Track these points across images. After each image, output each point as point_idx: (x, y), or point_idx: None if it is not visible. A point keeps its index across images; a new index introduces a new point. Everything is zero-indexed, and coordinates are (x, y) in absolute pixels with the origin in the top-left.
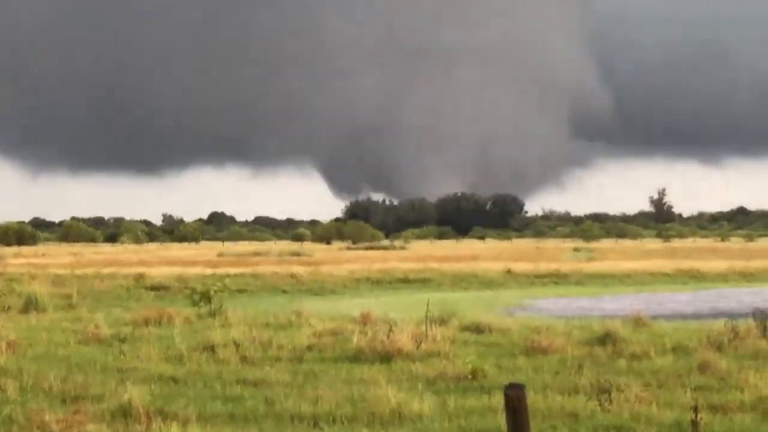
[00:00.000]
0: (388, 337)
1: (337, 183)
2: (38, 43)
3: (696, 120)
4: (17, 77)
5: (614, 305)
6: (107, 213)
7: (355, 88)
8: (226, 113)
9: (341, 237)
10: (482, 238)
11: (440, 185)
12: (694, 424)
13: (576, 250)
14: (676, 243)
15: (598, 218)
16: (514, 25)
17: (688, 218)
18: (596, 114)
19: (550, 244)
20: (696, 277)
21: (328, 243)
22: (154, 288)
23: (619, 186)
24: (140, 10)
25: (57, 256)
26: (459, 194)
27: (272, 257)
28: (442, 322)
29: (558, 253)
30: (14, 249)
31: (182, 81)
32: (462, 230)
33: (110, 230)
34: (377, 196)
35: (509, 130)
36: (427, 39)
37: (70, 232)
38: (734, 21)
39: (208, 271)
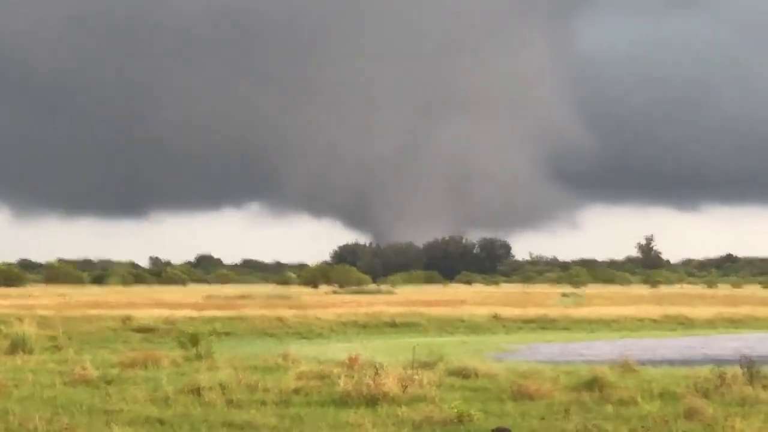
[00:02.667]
0: (375, 380)
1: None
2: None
3: (676, 166)
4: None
5: (602, 351)
6: (94, 255)
7: (336, 129)
8: (211, 157)
9: (328, 280)
10: (469, 282)
11: (423, 229)
12: None
13: (564, 295)
14: (664, 289)
15: (585, 263)
16: (495, 71)
17: (676, 264)
18: (579, 161)
19: (537, 289)
20: (684, 324)
21: (315, 286)
22: (141, 330)
23: (606, 232)
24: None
25: (44, 297)
26: (446, 238)
27: (259, 300)
28: (429, 366)
29: (545, 298)
30: (1, 290)
31: (172, 123)
32: (449, 274)
33: (97, 272)
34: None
35: (493, 174)
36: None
37: (57, 273)
38: (711, 62)
39: (195, 313)
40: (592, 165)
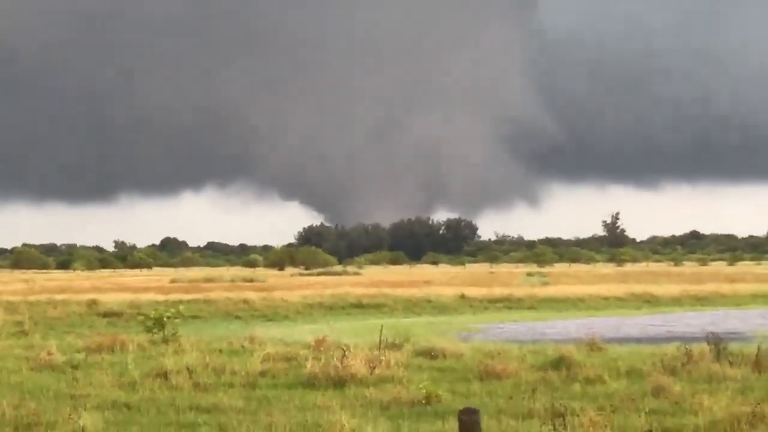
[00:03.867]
0: (342, 362)
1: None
2: None
3: (635, 145)
4: None
5: (568, 330)
6: (59, 239)
7: (306, 115)
8: (181, 138)
9: (294, 263)
10: (435, 263)
11: (388, 211)
12: None
13: (529, 274)
14: (630, 267)
15: (551, 242)
16: (457, 56)
17: (641, 242)
18: (540, 141)
19: (503, 268)
20: (649, 301)
21: (281, 269)
22: (107, 314)
23: (571, 211)
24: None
25: (9, 282)
26: (412, 219)
27: (225, 283)
28: (396, 347)
29: (511, 278)
30: None
31: (139, 105)
32: (415, 255)
33: (62, 257)
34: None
35: (457, 155)
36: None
37: (22, 258)
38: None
39: (161, 297)
40: (553, 145)
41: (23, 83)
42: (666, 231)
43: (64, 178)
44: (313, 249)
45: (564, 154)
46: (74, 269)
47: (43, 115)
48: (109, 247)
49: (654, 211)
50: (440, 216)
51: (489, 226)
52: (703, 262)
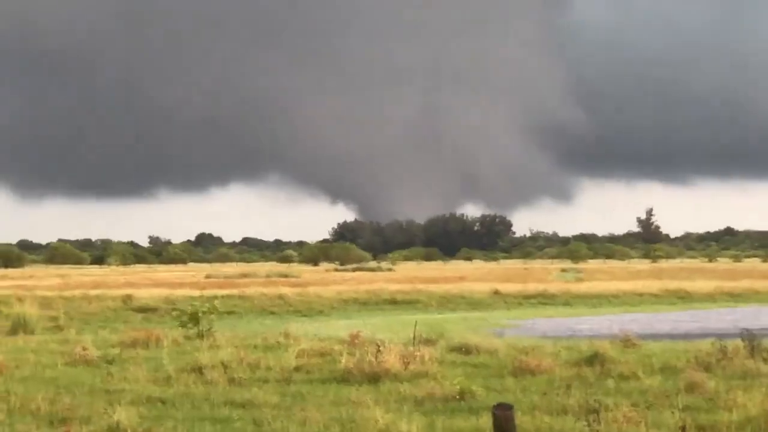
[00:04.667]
0: (376, 357)
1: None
2: (28, 65)
3: (668, 143)
4: (7, 100)
5: (602, 325)
6: (94, 235)
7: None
8: (216, 134)
9: (328, 258)
10: (469, 259)
11: (423, 206)
12: None
13: (564, 270)
14: (664, 263)
15: (585, 239)
16: (493, 51)
17: (676, 239)
18: (572, 136)
19: (537, 264)
20: (683, 298)
21: (316, 264)
22: (142, 310)
23: (605, 207)
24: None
25: (44, 278)
26: (447, 215)
27: (260, 279)
28: (430, 342)
29: (545, 274)
30: (1, 271)
31: (173, 104)
32: (449, 251)
33: (97, 252)
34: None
35: (493, 152)
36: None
37: (57, 254)
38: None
39: (196, 292)
40: (584, 141)
41: (61, 80)
42: (700, 227)
43: (100, 174)
44: (347, 245)
45: (594, 151)
46: (109, 264)
47: (81, 111)
48: (144, 243)
49: (687, 207)
50: (473, 212)
51: (522, 222)
52: (737, 259)
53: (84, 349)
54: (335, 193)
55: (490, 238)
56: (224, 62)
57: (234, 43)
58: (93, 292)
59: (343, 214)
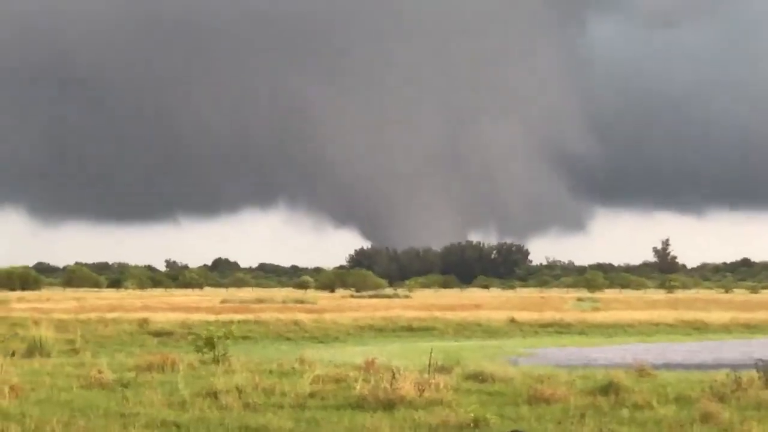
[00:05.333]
0: (391, 384)
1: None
2: (56, 91)
3: (685, 173)
4: (27, 122)
5: (617, 355)
6: (111, 258)
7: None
8: (233, 160)
9: (345, 285)
10: (486, 287)
11: (439, 234)
12: None
13: (580, 299)
14: (680, 294)
15: (601, 268)
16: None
17: (692, 269)
18: (591, 168)
19: (553, 293)
20: (699, 328)
21: (332, 291)
22: (158, 333)
23: (621, 237)
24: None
25: (61, 301)
26: (464, 243)
27: (276, 304)
28: (445, 370)
29: (562, 303)
30: (18, 293)
31: (194, 130)
32: (466, 279)
33: (114, 276)
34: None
35: (509, 180)
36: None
37: (74, 277)
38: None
39: (212, 317)
40: (602, 171)
41: (85, 105)
42: (716, 258)
43: (119, 198)
44: (363, 272)
45: (609, 181)
46: (125, 288)
47: (103, 135)
48: (161, 267)
49: (703, 238)
50: (488, 239)
51: (538, 251)
52: (754, 290)
53: (99, 372)
54: (352, 220)
55: (507, 267)
56: (245, 88)
57: (258, 69)
58: (109, 316)
59: (360, 241)
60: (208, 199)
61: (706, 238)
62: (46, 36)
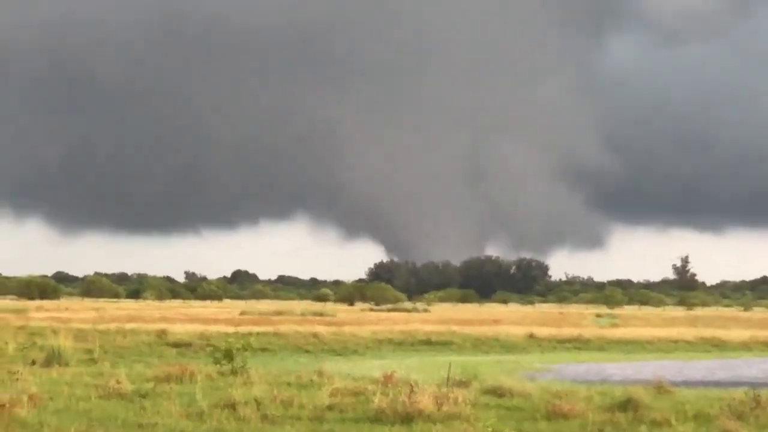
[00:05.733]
0: (410, 398)
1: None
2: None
3: (702, 191)
4: (48, 131)
5: (636, 371)
6: (131, 269)
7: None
8: (247, 172)
9: (364, 298)
10: (505, 302)
11: (457, 249)
12: None
13: (599, 315)
14: (699, 311)
15: (621, 284)
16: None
17: (711, 286)
18: (609, 184)
19: (572, 309)
20: (718, 346)
21: (351, 304)
22: (176, 345)
23: (641, 254)
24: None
25: (79, 310)
26: (482, 258)
27: (295, 317)
28: (464, 384)
29: (580, 319)
30: (37, 303)
31: (215, 141)
32: (485, 294)
33: (133, 286)
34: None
35: (527, 196)
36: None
37: (93, 287)
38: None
39: (230, 329)
40: (620, 188)
41: (107, 115)
42: (736, 276)
43: (138, 209)
44: (383, 285)
45: (627, 197)
46: (144, 299)
47: (124, 146)
48: (180, 278)
49: (723, 255)
50: (506, 255)
51: (556, 267)
52: None
53: (118, 382)
54: (371, 233)
55: (526, 282)
56: (269, 100)
57: (280, 81)
58: (128, 326)
59: (379, 254)
60: (228, 211)
61: (724, 255)
62: (67, 45)
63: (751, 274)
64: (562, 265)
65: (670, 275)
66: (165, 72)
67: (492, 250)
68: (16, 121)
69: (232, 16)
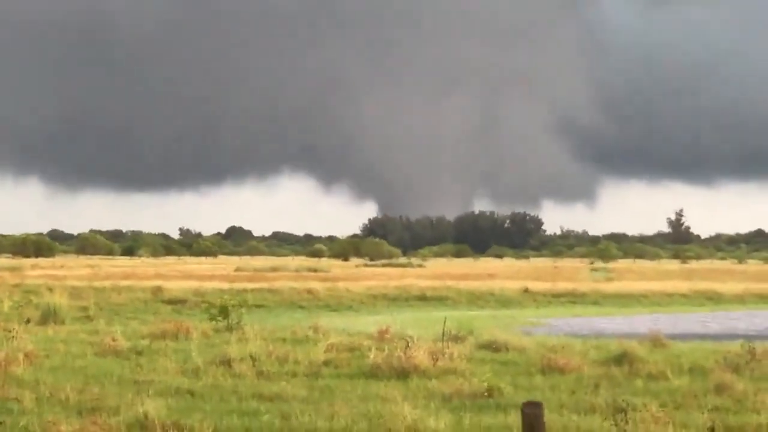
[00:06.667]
0: (405, 353)
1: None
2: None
3: (697, 146)
4: (42, 92)
5: (631, 325)
6: (125, 226)
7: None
8: (242, 129)
9: (358, 253)
10: (500, 256)
11: (451, 203)
12: None
13: (594, 269)
14: (694, 264)
15: (615, 238)
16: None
17: (706, 239)
18: (599, 139)
19: (567, 263)
20: (713, 299)
21: (346, 259)
22: (171, 301)
23: (633, 208)
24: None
25: (74, 268)
26: (477, 212)
27: (289, 273)
28: (459, 339)
29: (575, 273)
30: (32, 261)
31: (213, 100)
32: (480, 248)
33: (128, 243)
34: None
35: (521, 151)
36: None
37: (88, 244)
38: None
39: (225, 285)
40: (613, 144)
41: (112, 74)
42: (730, 229)
43: (133, 166)
44: (377, 240)
45: (621, 152)
46: (139, 256)
47: (125, 104)
48: (175, 235)
49: (717, 209)
50: (504, 209)
51: (548, 221)
52: None
53: (113, 339)
54: (365, 188)
55: (521, 236)
56: (272, 58)
57: (283, 40)
58: (123, 283)
59: (373, 209)
60: (222, 167)
61: (717, 208)
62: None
63: (743, 227)
64: (555, 219)
65: (664, 229)
66: (178, 33)
67: (484, 205)
68: (17, 81)
69: None
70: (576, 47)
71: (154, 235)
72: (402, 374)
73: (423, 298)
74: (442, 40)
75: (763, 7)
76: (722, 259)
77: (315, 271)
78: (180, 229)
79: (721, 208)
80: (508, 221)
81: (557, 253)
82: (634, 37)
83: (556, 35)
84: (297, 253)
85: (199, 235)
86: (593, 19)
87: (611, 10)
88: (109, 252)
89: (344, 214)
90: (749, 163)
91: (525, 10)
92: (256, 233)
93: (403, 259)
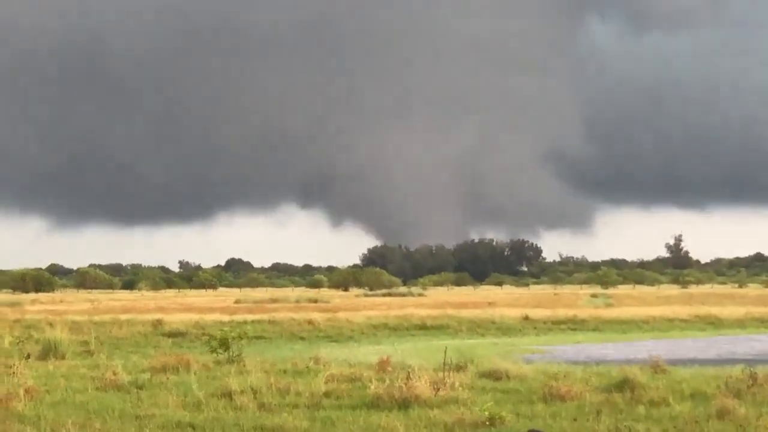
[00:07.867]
0: (406, 383)
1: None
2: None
3: (691, 170)
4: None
5: (632, 351)
6: (125, 260)
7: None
8: (239, 160)
9: (358, 283)
10: (500, 284)
11: (448, 233)
12: None
13: (593, 296)
14: (694, 289)
15: (615, 264)
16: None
17: (706, 264)
18: (593, 167)
19: (567, 290)
20: (713, 323)
21: (346, 289)
22: (172, 334)
23: (634, 234)
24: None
25: (74, 302)
26: (476, 240)
27: (289, 304)
28: (460, 368)
29: (575, 300)
30: (32, 296)
31: (212, 131)
32: (479, 276)
33: (128, 277)
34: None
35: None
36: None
37: (88, 278)
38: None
39: (226, 317)
40: (605, 171)
41: (110, 109)
42: (729, 254)
43: (133, 200)
44: (377, 270)
45: (613, 180)
46: (139, 289)
47: (123, 137)
48: (174, 268)
49: (715, 233)
50: (503, 237)
51: (547, 249)
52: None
53: (114, 373)
54: (363, 218)
55: (520, 263)
56: (269, 89)
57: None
58: (123, 317)
59: (372, 239)
60: (220, 200)
61: (711, 233)
62: (62, 34)
63: (740, 251)
64: (553, 247)
65: (663, 254)
66: (169, 71)
67: (481, 234)
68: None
69: (236, 15)
70: (565, 74)
71: (154, 268)
72: (403, 404)
73: (423, 328)
74: (441, 72)
75: (753, 32)
76: (722, 283)
77: (315, 301)
78: (179, 262)
79: (716, 233)
80: (507, 249)
81: (557, 280)
82: (626, 65)
83: (552, 65)
84: (297, 285)
85: (198, 267)
86: (587, 47)
87: (603, 39)
88: (109, 286)
89: (344, 244)
90: (740, 188)
91: (528, 42)
92: (255, 264)
93: (403, 289)
